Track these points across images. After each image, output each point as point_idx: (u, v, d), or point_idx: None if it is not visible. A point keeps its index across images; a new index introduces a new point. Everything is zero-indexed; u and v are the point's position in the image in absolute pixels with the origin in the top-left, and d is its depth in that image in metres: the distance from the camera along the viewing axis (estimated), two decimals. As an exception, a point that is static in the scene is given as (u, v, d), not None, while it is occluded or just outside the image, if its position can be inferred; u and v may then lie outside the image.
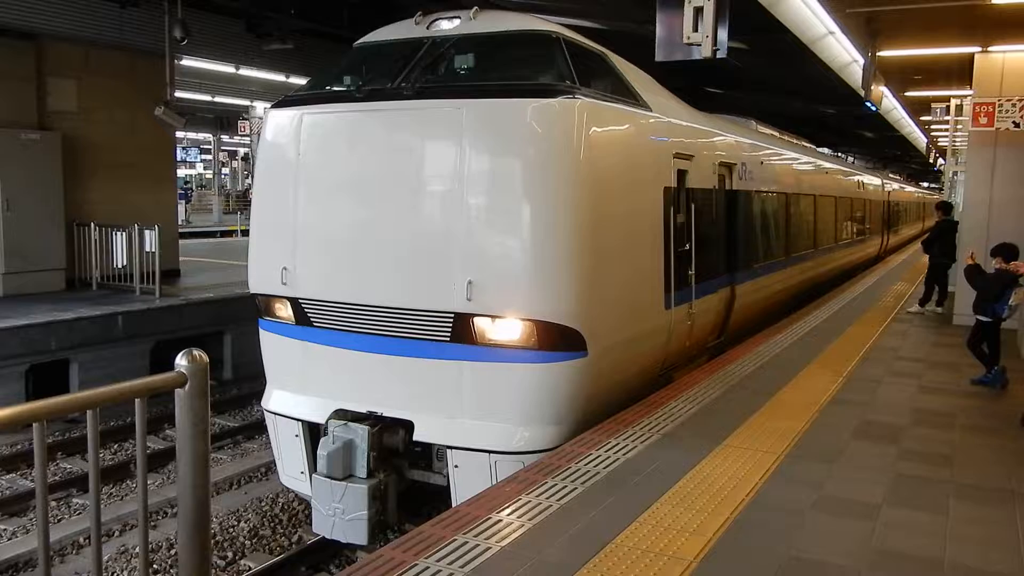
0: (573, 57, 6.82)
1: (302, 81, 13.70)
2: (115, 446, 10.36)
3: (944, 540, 4.46)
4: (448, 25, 7.15)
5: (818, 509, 4.83)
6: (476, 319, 6.30)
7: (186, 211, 35.26)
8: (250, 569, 7.22)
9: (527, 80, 6.64)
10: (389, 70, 7.00)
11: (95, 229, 13.31)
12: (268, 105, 7.47)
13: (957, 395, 7.80)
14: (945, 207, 13.61)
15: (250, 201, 8.22)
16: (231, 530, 8.05)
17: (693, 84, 16.14)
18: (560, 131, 6.23)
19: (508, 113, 6.28)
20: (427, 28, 7.23)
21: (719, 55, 5.84)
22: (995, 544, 4.45)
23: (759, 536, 4.42)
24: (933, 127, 23.72)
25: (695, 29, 5.77)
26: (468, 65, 6.79)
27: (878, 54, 11.28)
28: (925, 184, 54.55)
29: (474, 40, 6.96)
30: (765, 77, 17.16)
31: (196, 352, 2.56)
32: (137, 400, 2.54)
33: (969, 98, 12.82)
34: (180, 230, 18.07)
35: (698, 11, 5.70)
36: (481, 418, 6.43)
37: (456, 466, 6.48)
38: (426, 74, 6.82)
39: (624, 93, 7.36)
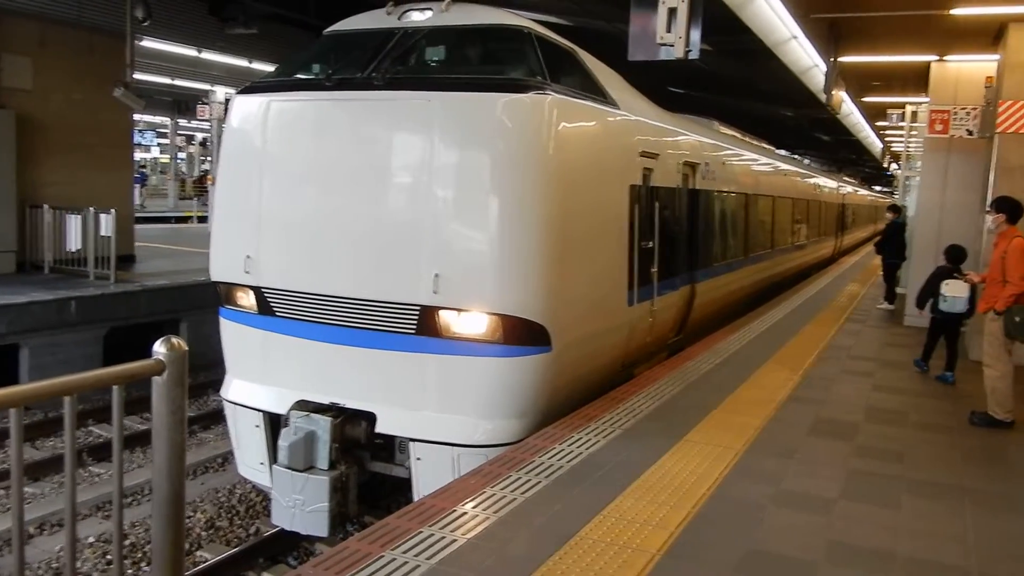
0: (544, 52, 6.84)
1: (266, 67, 13.50)
2: (92, 423, 10.17)
3: (896, 533, 4.61)
4: (420, 16, 7.12)
5: (776, 503, 4.95)
6: (442, 312, 6.29)
7: (141, 195, 34.53)
8: (206, 560, 7.15)
9: (498, 74, 6.65)
10: (359, 60, 6.94)
11: (48, 211, 12.98)
12: (229, 90, 7.36)
13: (909, 393, 8.03)
14: (895, 209, 13.98)
15: (206, 187, 8.11)
16: (187, 520, 7.97)
17: (658, 83, 16.26)
18: (530, 126, 6.25)
19: (479, 107, 6.27)
20: (398, 19, 7.18)
21: (691, 56, 5.87)
22: (944, 537, 4.61)
23: (720, 529, 4.51)
24: (888, 132, 24.25)
25: (668, 29, 5.81)
26: (439, 57, 6.77)
27: (839, 60, 11.51)
28: (878, 188, 55.63)
29: (446, 32, 6.95)
30: (729, 79, 17.38)
31: (175, 339, 2.53)
32: (115, 387, 2.51)
33: (924, 105, 13.16)
34: (135, 215, 17.70)
35: (671, 12, 5.74)
36: (445, 411, 6.43)
37: (418, 459, 6.48)
38: (396, 65, 6.78)
39: (593, 90, 7.40)
